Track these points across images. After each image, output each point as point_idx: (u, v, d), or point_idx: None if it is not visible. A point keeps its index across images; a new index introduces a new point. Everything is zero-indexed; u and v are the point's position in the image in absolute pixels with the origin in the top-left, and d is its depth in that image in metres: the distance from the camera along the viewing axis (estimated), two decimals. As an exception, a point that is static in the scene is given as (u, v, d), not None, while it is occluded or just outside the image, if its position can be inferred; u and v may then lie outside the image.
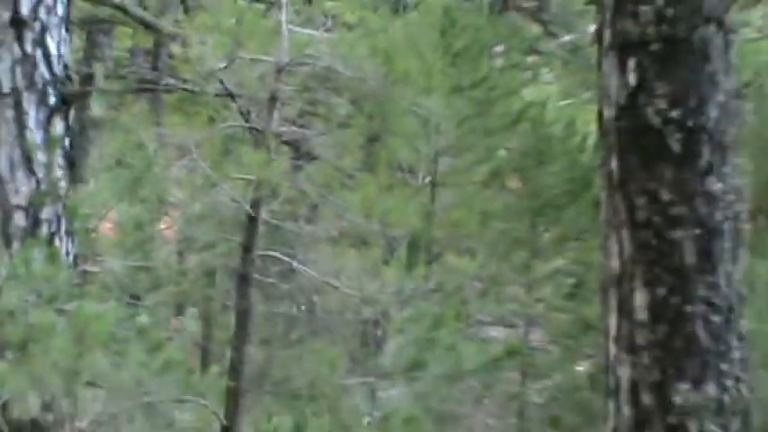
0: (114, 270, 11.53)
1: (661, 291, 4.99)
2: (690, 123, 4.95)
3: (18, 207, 11.72)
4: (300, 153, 12.46)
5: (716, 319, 4.99)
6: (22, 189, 11.75)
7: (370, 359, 10.97)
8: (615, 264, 5.10)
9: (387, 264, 11.09)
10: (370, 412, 10.12)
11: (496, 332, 13.01)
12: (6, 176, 11.63)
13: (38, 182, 11.84)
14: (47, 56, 11.93)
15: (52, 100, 11.98)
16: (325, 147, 12.61)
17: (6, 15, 11.62)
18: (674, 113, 4.94)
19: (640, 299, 5.02)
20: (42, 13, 11.88)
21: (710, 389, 4.99)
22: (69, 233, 12.03)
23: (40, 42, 11.90)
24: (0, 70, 11.66)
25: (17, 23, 11.74)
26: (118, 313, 10.03)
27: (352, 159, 12.76)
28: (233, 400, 10.32)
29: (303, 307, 14.07)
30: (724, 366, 5.00)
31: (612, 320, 5.14)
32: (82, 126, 14.32)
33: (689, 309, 4.98)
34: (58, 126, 12.08)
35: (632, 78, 4.98)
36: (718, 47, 4.97)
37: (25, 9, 11.73)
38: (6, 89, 11.69)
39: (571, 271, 12.47)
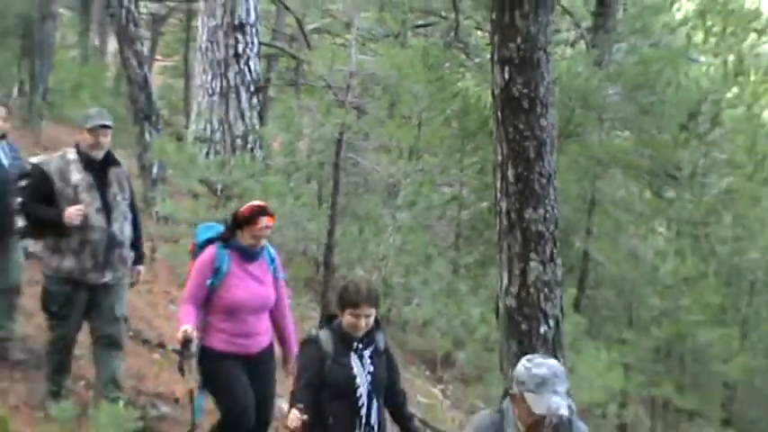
0: (279, 163, 11.49)
1: (519, 169, 4.98)
2: (532, 95, 4.90)
3: (238, 136, 11.78)
4: (360, 111, 12.29)
5: (543, 180, 4.98)
6: (240, 128, 11.80)
7: (392, 200, 10.95)
8: (499, 157, 5.08)
9: (399, 158, 11.06)
10: (393, 224, 10.13)
11: (447, 189, 12.91)
12: (233, 123, 11.75)
13: (246, 125, 11.85)
14: (249, 70, 11.87)
15: (252, 88, 11.96)
16: (371, 107, 12.46)
17: (232, 51, 11.69)
18: (525, 91, 4.89)
19: (510, 172, 5.00)
20: (248, 50, 11.83)
21: (540, 211, 4.99)
22: (260, 147, 12.04)
23: (247, 63, 11.84)
24: (230, 76, 11.72)
25: (236, 55, 11.74)
26: (282, 181, 10.02)
27: (383, 114, 12.64)
28: (332, 220, 10.30)
29: (362, 179, 14.00)
30: (546, 201, 4.99)
31: (498, 182, 5.13)
32: (265, 100, 14.26)
33: (531, 176, 4.97)
34: (255, 100, 12.06)
35: (506, 75, 4.92)
36: (544, 61, 4.90)
37: (240, 49, 11.75)
38: (232, 84, 11.74)
39: (480, 161, 12.39)
